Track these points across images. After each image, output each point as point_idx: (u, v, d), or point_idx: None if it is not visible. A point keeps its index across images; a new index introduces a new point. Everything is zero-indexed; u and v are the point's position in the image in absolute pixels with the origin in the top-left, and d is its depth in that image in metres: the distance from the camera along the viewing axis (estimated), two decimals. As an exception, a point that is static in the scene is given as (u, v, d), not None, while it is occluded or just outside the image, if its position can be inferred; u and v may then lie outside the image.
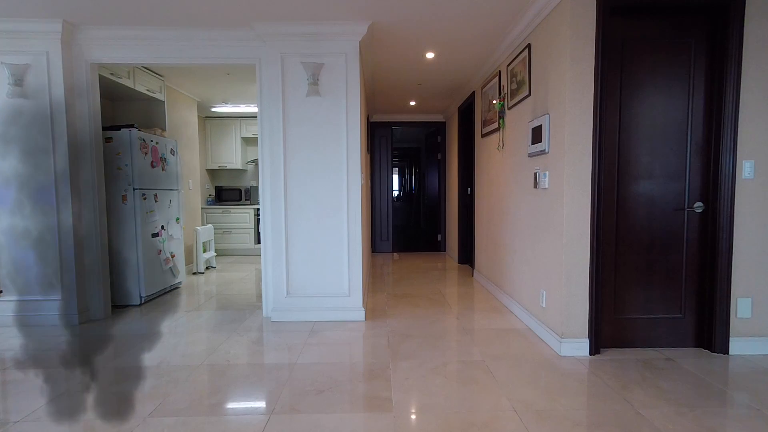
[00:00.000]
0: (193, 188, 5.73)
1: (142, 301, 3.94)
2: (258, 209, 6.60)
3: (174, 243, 4.49)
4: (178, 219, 4.60)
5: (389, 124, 6.93)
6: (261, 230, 3.52)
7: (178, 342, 2.93)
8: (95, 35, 3.29)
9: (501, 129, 3.82)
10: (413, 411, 2.00)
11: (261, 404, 2.07)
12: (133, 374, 2.39)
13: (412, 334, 3.04)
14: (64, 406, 2.05)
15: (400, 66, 4.27)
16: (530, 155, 3.12)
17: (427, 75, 4.60)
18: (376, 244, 7.09)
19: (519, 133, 3.41)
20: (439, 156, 7.14)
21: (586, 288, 2.61)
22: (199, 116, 6.46)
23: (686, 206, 2.67)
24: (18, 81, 3.16)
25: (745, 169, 2.57)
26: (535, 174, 3.02)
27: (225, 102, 5.84)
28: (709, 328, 2.67)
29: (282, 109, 3.25)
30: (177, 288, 4.57)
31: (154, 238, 4.11)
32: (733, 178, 2.57)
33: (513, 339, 2.94)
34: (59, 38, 3.18)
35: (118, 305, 3.88)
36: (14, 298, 3.30)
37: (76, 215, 3.33)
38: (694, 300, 2.71)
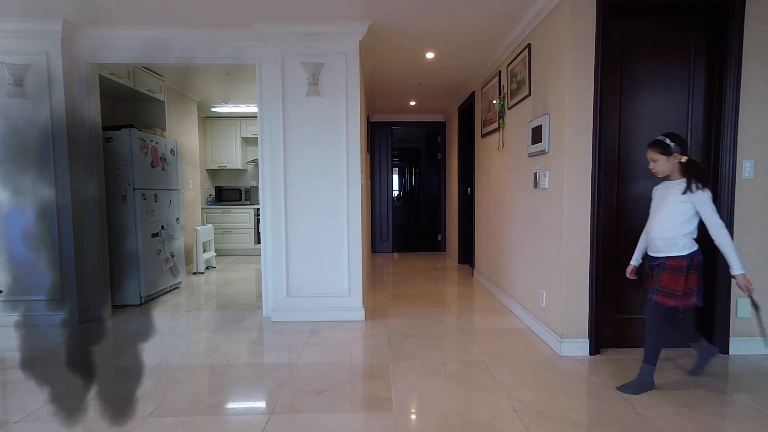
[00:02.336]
0: (193, 188, 5.73)
1: (142, 301, 3.94)
2: (258, 209, 6.59)
3: (174, 243, 4.49)
4: (178, 219, 4.60)
5: (389, 124, 6.93)
6: (261, 230, 3.52)
7: (178, 342, 2.93)
8: (95, 35, 3.29)
9: (501, 129, 3.82)
10: (413, 411, 2.00)
11: (261, 404, 2.07)
12: (132, 374, 2.38)
13: (412, 334, 3.04)
14: (64, 406, 2.05)
15: (400, 66, 4.27)
16: (530, 155, 3.12)
17: (427, 75, 4.60)
18: (376, 244, 7.09)
19: (519, 133, 3.40)
20: (439, 156, 7.14)
21: (586, 288, 2.61)
22: (199, 116, 6.45)
23: (686, 206, 2.66)
24: (18, 81, 3.15)
25: (745, 169, 2.57)
26: (535, 174, 3.02)
27: (225, 102, 5.84)
28: (709, 329, 2.67)
29: (282, 109, 3.25)
30: (177, 288, 4.57)
31: (154, 238, 4.11)
32: (733, 178, 2.57)
33: (513, 339, 2.94)
34: (59, 38, 3.18)
35: (118, 305, 3.88)
36: (14, 297, 3.30)
37: (76, 215, 3.33)
38: (694, 300, 2.71)
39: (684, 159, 2.05)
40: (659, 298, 2.08)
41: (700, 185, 2.00)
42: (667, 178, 2.13)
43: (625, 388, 2.17)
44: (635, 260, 2.31)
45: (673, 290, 2.04)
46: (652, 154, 2.10)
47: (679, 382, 2.26)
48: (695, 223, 2.06)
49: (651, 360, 2.16)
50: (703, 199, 2.00)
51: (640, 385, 2.16)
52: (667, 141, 2.06)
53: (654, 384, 2.17)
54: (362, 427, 1.85)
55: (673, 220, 2.05)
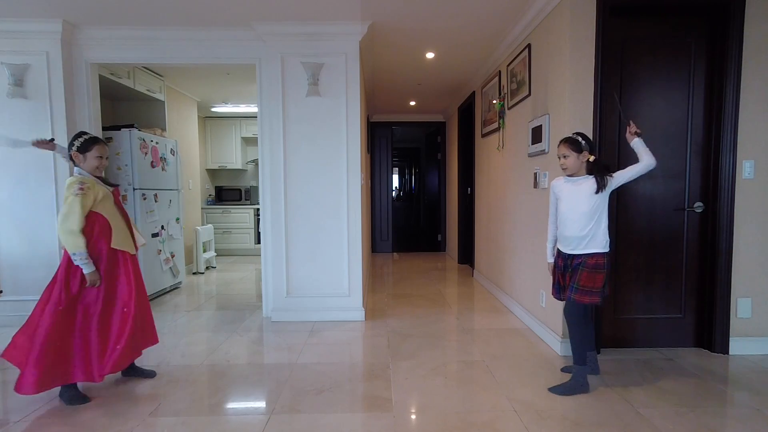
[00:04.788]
0: (193, 188, 5.73)
1: (142, 301, 3.93)
2: (258, 209, 6.59)
3: (174, 243, 4.49)
4: (178, 219, 4.60)
5: (389, 124, 6.93)
6: (261, 230, 3.52)
7: (178, 342, 2.93)
8: (95, 35, 3.29)
9: (501, 129, 3.82)
10: (413, 411, 2.00)
11: (261, 404, 2.07)
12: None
13: (412, 334, 3.04)
14: (64, 406, 2.05)
15: (400, 66, 4.27)
16: (530, 155, 3.12)
17: (427, 75, 4.60)
18: (376, 244, 7.09)
19: (519, 133, 3.40)
20: (439, 156, 7.14)
21: (586, 288, 2.61)
22: (199, 116, 6.45)
23: (686, 206, 2.67)
24: (18, 81, 3.15)
25: (745, 169, 2.57)
26: (535, 174, 3.02)
27: (225, 102, 5.84)
28: (709, 328, 2.67)
29: (282, 109, 3.25)
30: (177, 288, 4.57)
31: (154, 238, 4.11)
32: (733, 178, 2.57)
33: (513, 339, 2.94)
34: (59, 38, 3.18)
35: (118, 305, 3.87)
36: (14, 298, 3.30)
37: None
38: (694, 300, 2.71)
39: (592, 158, 2.11)
40: (577, 297, 2.09)
41: (608, 176, 2.07)
42: (572, 175, 2.17)
43: (556, 389, 2.16)
44: (552, 258, 2.32)
45: (591, 288, 2.08)
46: (564, 150, 2.13)
47: (679, 382, 2.26)
48: (607, 217, 2.12)
49: (581, 360, 2.15)
50: (616, 178, 2.07)
51: (573, 387, 2.14)
52: (579, 139, 2.10)
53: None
54: (362, 427, 1.85)
55: (592, 216, 2.09)
